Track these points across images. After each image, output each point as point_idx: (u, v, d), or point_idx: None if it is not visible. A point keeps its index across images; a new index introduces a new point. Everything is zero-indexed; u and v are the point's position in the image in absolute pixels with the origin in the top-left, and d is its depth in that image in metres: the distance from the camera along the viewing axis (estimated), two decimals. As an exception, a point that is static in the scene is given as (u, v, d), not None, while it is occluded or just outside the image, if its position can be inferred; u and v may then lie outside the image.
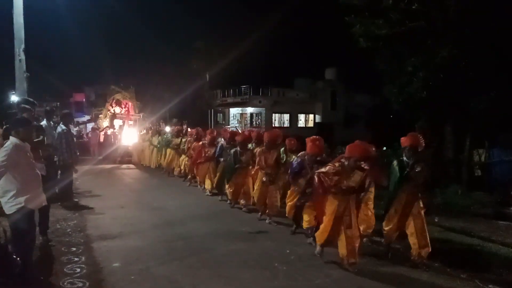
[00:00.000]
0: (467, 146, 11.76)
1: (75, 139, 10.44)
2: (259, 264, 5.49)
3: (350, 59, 28.60)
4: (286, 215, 7.06)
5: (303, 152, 6.60)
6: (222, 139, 10.51)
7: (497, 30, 9.69)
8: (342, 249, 5.31)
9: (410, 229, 5.58)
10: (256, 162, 7.93)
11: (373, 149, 5.81)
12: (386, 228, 5.79)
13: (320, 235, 5.56)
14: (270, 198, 7.69)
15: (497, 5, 9.41)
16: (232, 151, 8.81)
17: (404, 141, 5.70)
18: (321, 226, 5.53)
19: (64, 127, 8.38)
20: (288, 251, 6.04)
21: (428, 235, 5.51)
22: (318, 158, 6.32)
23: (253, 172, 8.38)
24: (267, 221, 7.66)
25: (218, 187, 10.00)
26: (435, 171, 10.83)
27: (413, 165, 5.55)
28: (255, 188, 8.12)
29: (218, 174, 10.01)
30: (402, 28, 10.92)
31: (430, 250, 5.48)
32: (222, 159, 9.72)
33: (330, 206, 5.38)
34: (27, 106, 6.88)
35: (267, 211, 7.75)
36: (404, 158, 5.65)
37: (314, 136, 6.63)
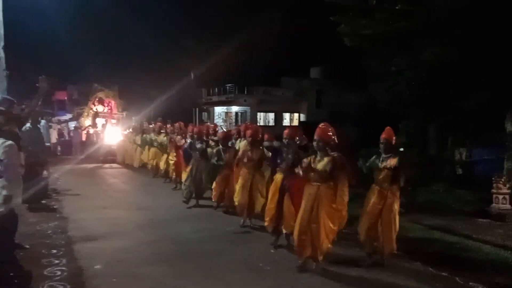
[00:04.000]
0: (449, 145, 11.94)
1: (49, 136, 10.17)
2: (245, 265, 5.47)
3: (336, 58, 28.74)
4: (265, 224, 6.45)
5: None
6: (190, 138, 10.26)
7: (481, 30, 9.82)
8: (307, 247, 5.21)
9: (378, 231, 5.51)
10: (238, 157, 7.60)
11: (333, 136, 5.53)
12: (359, 229, 5.72)
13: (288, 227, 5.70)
14: (252, 203, 7.40)
15: (481, 5, 9.53)
16: (215, 150, 8.69)
17: (382, 135, 5.67)
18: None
19: (28, 125, 8.17)
20: (272, 251, 6.03)
21: (394, 237, 5.46)
22: (298, 142, 6.25)
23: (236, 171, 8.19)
24: (251, 224, 7.51)
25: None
26: (420, 169, 11.02)
27: (384, 160, 5.52)
28: (237, 190, 7.79)
29: (187, 172, 9.55)
30: (386, 28, 10.98)
31: (395, 251, 5.48)
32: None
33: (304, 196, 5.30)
34: (8, 97, 6.70)
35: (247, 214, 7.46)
36: (381, 152, 5.61)
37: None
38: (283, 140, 6.23)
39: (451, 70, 10.47)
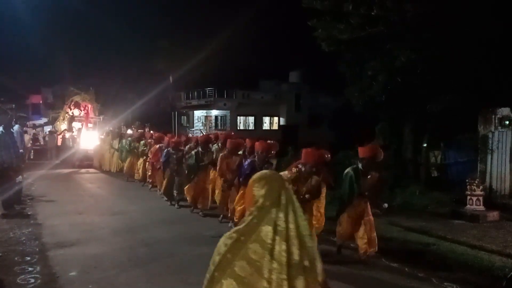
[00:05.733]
0: (424, 147, 12.18)
1: (23, 141, 9.97)
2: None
3: (314, 62, 29.04)
4: (235, 219, 6.83)
5: (253, 154, 6.77)
6: (165, 146, 10.45)
7: (453, 35, 10.09)
8: None
9: (360, 233, 5.76)
10: (218, 167, 7.80)
11: (328, 155, 5.98)
12: (338, 229, 5.99)
13: None
14: (232, 202, 7.64)
15: (453, 10, 9.79)
16: (194, 152, 8.75)
17: (363, 152, 5.80)
18: None
19: (0, 130, 7.96)
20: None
21: (376, 237, 5.75)
22: (267, 159, 6.58)
23: (215, 176, 8.34)
24: (229, 224, 7.61)
25: (166, 193, 9.89)
26: (395, 172, 11.20)
27: (367, 173, 5.74)
28: (217, 192, 8.08)
29: (165, 180, 9.91)
30: (362, 33, 11.16)
31: (376, 250, 5.73)
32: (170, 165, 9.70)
33: None
34: None
35: (228, 214, 7.70)
36: (359, 167, 5.78)
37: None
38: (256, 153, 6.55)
39: (424, 74, 10.72)
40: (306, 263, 1.86)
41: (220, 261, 1.99)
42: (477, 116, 10.06)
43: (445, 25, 10.06)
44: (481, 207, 8.58)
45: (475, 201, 8.64)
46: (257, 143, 6.79)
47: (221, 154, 8.00)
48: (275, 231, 1.85)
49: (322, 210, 6.33)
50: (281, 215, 1.86)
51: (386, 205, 6.02)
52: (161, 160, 10.26)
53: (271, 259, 1.82)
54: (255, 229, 1.88)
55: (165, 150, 10.05)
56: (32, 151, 21.54)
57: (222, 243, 2.04)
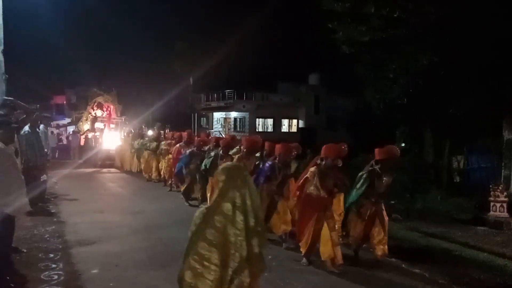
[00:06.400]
0: (446, 152, 11.98)
1: (49, 141, 10.19)
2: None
3: (333, 64, 28.82)
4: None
5: (273, 156, 6.77)
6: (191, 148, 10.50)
7: (475, 38, 9.91)
8: (328, 252, 5.38)
9: (377, 234, 5.72)
10: None
11: (346, 148, 6.05)
12: (352, 233, 5.91)
13: (305, 245, 5.63)
14: None
15: (475, 13, 9.62)
16: (213, 153, 8.75)
17: (380, 153, 5.78)
18: (304, 237, 5.59)
19: (27, 129, 8.16)
20: (270, 256, 6.01)
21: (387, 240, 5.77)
22: (289, 161, 6.64)
23: None
24: None
25: (184, 193, 9.94)
26: (416, 176, 11.05)
27: (383, 175, 5.71)
28: None
29: (187, 181, 9.92)
30: (383, 35, 11.06)
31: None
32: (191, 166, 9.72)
33: (311, 215, 5.49)
34: (7, 100, 6.70)
35: None
36: (376, 169, 5.74)
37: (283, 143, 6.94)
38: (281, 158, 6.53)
39: (446, 77, 10.55)
40: (259, 228, 2.56)
41: (195, 229, 2.56)
42: (501, 120, 9.84)
43: (467, 27, 9.89)
44: (505, 214, 8.39)
45: (499, 207, 8.45)
46: (278, 145, 6.76)
47: (237, 155, 7.87)
48: (234, 206, 2.50)
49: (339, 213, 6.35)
50: (238, 194, 2.52)
51: (399, 216, 6.03)
52: (181, 158, 10.22)
53: (232, 226, 2.49)
54: (219, 205, 2.52)
55: (189, 151, 10.04)
56: (57, 151, 22.09)
57: (197, 217, 2.59)
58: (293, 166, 7.02)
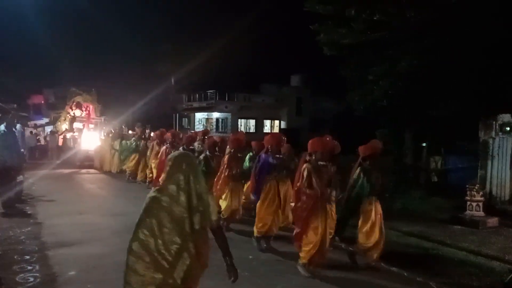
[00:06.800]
0: (424, 153, 12.20)
1: (28, 141, 9.95)
2: (222, 271, 5.41)
3: (316, 66, 29.06)
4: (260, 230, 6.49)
5: (265, 149, 6.72)
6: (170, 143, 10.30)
7: (455, 41, 10.12)
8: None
9: (375, 235, 5.63)
10: (225, 168, 7.45)
11: (333, 141, 5.69)
12: (368, 245, 5.62)
13: (307, 254, 5.25)
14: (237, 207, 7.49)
15: (454, 17, 9.83)
16: (202, 156, 8.21)
17: (365, 149, 5.77)
18: (308, 245, 5.23)
19: (2, 129, 7.96)
20: (251, 257, 6.02)
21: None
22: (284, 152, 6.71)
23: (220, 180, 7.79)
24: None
25: None
26: (396, 177, 11.21)
27: (372, 172, 5.70)
28: (229, 196, 7.56)
29: None
30: (364, 38, 11.20)
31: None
32: None
33: (315, 222, 5.19)
34: None
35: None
36: (366, 166, 5.76)
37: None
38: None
39: (426, 80, 10.74)
40: (201, 208, 2.83)
41: (146, 207, 2.87)
42: (478, 122, 10.08)
43: (447, 31, 10.11)
44: (481, 213, 8.58)
45: (475, 206, 8.63)
46: (266, 138, 6.78)
47: (227, 155, 7.74)
48: (178, 188, 2.80)
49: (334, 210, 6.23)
50: (182, 177, 2.81)
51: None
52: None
53: (176, 205, 2.79)
54: (165, 187, 2.84)
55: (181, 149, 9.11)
56: (37, 151, 21.66)
57: (148, 197, 2.91)
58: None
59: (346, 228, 6.14)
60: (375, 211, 5.68)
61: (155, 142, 12.34)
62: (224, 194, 7.50)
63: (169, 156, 3.03)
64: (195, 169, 2.92)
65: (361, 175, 5.71)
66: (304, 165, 5.31)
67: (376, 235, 5.60)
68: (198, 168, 3.06)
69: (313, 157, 5.33)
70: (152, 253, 2.75)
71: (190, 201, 2.79)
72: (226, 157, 7.66)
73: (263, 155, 6.63)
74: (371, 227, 5.62)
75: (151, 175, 12.28)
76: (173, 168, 2.86)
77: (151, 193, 2.91)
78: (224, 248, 3.09)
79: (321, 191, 5.14)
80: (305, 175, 5.23)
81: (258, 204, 6.53)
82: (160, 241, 2.75)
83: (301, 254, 5.31)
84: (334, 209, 5.74)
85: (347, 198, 5.84)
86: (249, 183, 7.39)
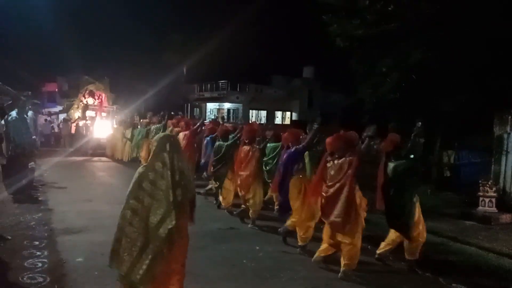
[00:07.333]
0: (437, 147, 12.01)
1: (41, 129, 10.02)
2: (228, 261, 5.43)
3: (327, 58, 28.72)
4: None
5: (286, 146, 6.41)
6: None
7: (468, 34, 9.90)
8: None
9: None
10: (247, 159, 7.27)
11: (356, 135, 5.43)
12: (420, 239, 5.40)
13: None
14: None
15: (468, 9, 9.61)
16: (217, 144, 8.24)
17: (387, 145, 5.50)
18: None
19: (14, 115, 7.98)
20: (257, 247, 6.01)
21: None
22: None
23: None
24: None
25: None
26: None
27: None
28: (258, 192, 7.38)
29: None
30: (377, 29, 11.02)
31: None
32: None
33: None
34: None
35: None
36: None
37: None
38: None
39: (439, 72, 10.54)
40: (183, 183, 3.25)
41: (135, 180, 3.27)
42: (492, 116, 9.87)
43: (461, 24, 9.88)
44: (494, 209, 8.44)
45: (488, 202, 8.50)
46: (285, 135, 6.52)
47: (243, 146, 7.53)
48: (163, 165, 3.21)
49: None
50: (166, 156, 3.22)
51: None
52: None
53: (161, 179, 3.19)
54: (152, 165, 3.24)
55: (217, 143, 8.54)
56: (53, 138, 21.91)
57: (137, 172, 3.30)
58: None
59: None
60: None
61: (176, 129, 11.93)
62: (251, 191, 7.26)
63: (155, 138, 3.45)
64: (177, 149, 3.35)
65: (408, 171, 5.34)
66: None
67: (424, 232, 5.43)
68: (180, 147, 3.52)
69: (336, 156, 5.09)
70: (139, 218, 3.20)
71: (173, 176, 3.18)
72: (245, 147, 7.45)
73: (286, 153, 6.22)
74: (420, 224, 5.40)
75: None
76: (158, 148, 3.26)
77: (140, 169, 3.32)
78: (192, 211, 3.51)
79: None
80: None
81: (296, 207, 5.98)
82: (147, 209, 3.18)
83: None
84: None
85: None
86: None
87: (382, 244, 5.60)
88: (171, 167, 3.18)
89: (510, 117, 9.53)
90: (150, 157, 3.32)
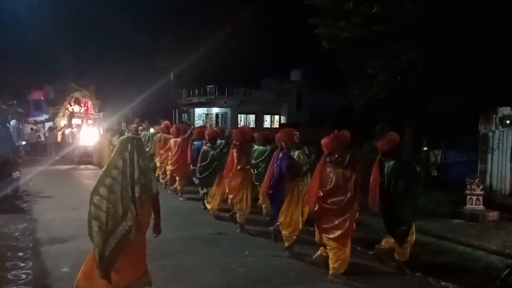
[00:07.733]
0: (424, 147, 12.09)
1: (27, 137, 9.88)
2: (217, 266, 5.37)
3: (316, 61, 28.87)
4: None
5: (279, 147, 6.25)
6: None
7: (455, 35, 9.99)
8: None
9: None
10: (237, 163, 7.23)
11: (348, 134, 5.43)
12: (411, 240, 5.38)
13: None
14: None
15: (454, 11, 9.70)
16: (203, 149, 8.20)
17: (383, 145, 5.44)
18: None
19: None
20: (246, 252, 5.95)
21: None
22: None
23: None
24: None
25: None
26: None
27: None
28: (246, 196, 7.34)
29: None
30: (363, 32, 11.07)
31: None
32: None
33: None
34: None
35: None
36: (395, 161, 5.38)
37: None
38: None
39: (425, 74, 10.62)
40: (143, 181, 3.48)
41: (100, 178, 3.54)
42: (478, 115, 9.96)
43: (447, 25, 9.97)
44: (481, 207, 8.49)
45: (475, 200, 8.54)
46: (278, 135, 6.42)
47: (234, 149, 7.44)
48: (124, 162, 3.46)
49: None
50: (127, 155, 3.47)
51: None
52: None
53: (123, 176, 3.45)
54: (114, 162, 3.50)
55: (204, 147, 8.43)
56: (39, 146, 21.59)
57: (101, 171, 3.61)
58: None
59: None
60: None
61: (164, 135, 11.79)
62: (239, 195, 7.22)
63: (119, 139, 3.73)
64: (139, 149, 3.56)
65: (404, 173, 5.33)
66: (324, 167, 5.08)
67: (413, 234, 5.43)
68: (143, 149, 3.74)
69: (335, 156, 5.08)
70: (103, 212, 3.49)
71: (132, 174, 3.43)
72: (234, 150, 7.39)
73: (279, 154, 6.06)
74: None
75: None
76: (119, 147, 3.54)
77: (104, 167, 3.60)
78: (156, 212, 3.79)
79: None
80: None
81: (283, 208, 5.92)
82: (110, 205, 3.45)
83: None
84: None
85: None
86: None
87: (383, 241, 5.58)
88: (132, 165, 3.43)
89: (495, 115, 9.63)
90: (112, 155, 3.58)
